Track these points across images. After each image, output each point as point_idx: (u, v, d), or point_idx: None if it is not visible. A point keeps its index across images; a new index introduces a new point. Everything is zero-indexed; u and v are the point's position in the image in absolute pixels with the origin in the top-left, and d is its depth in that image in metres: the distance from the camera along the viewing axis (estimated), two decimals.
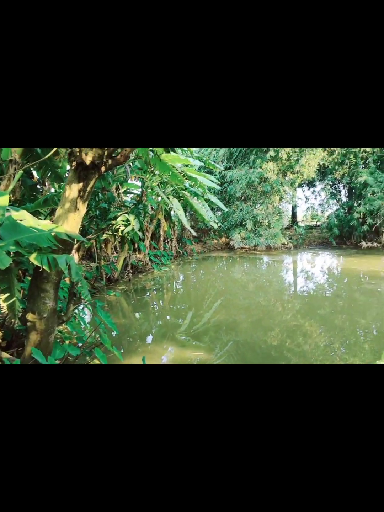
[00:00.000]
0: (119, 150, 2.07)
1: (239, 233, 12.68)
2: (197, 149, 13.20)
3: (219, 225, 12.47)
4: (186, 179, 8.75)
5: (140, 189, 7.99)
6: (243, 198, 13.06)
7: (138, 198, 6.97)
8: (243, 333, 4.40)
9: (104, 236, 5.75)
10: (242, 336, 4.28)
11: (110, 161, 2.03)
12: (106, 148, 1.91)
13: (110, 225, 5.38)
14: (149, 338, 4.36)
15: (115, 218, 5.47)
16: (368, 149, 12.09)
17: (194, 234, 9.81)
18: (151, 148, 5.33)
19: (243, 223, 12.75)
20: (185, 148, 8.48)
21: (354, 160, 12.81)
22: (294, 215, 17.97)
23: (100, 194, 5.36)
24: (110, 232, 5.65)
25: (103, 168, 2.01)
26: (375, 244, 12.20)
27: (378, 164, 12.76)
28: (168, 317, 5.37)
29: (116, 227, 5.46)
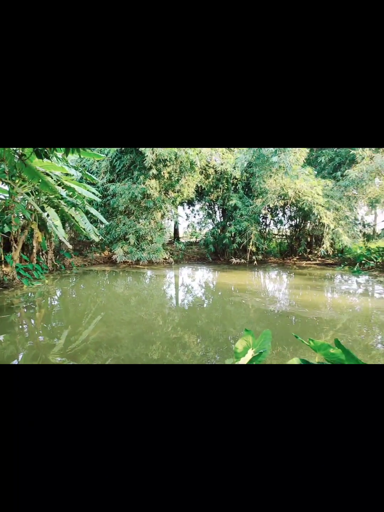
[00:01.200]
0: None
1: (121, 247, 12.52)
2: (76, 158, 12.58)
3: (100, 238, 12.06)
4: (62, 188, 8.21)
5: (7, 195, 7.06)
6: (126, 212, 13.02)
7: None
8: (124, 348, 4.29)
9: None
10: (123, 351, 4.17)
11: None
12: None
13: None
14: (15, 363, 3.80)
15: None
16: (237, 176, 13.75)
17: (69, 246, 9.19)
18: (17, 153, 4.78)
19: (126, 237, 12.68)
20: (60, 157, 7.94)
21: (226, 185, 14.41)
22: (175, 231, 18.89)
23: None
24: None
25: None
26: (242, 260, 13.85)
27: (246, 190, 14.67)
28: (40, 337, 4.81)
29: None
